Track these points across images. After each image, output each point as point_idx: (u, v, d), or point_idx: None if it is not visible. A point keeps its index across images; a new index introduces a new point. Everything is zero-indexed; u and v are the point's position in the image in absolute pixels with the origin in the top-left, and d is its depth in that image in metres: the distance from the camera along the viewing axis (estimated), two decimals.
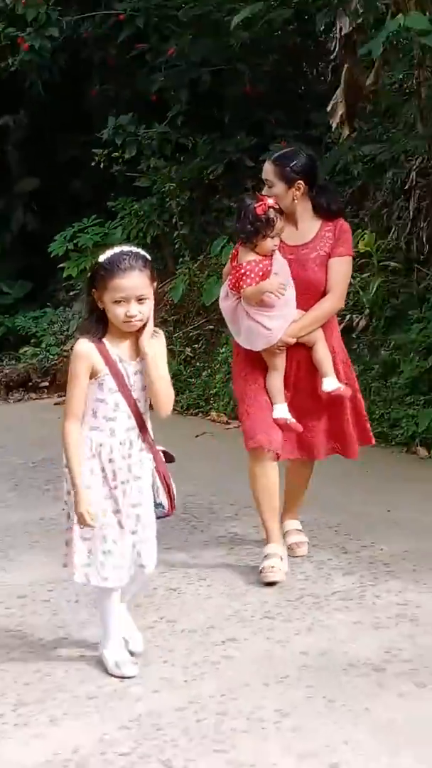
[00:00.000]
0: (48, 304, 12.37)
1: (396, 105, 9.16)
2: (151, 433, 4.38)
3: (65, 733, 4.28)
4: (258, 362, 5.68)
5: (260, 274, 5.33)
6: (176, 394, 10.02)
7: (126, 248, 4.12)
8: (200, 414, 9.90)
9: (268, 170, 5.59)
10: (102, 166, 11.77)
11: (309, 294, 5.53)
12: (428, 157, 9.02)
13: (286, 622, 5.32)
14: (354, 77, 9.11)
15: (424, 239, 9.40)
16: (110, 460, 4.21)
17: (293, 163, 5.50)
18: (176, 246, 11.16)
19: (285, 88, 11.06)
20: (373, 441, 6.16)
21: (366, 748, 4.02)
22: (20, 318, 12.51)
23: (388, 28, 8.18)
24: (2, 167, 13.07)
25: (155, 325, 4.40)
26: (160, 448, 4.38)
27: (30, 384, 11.34)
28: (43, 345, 11.75)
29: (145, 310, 4.06)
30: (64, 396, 10.55)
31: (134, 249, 4.14)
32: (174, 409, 9.87)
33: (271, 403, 5.64)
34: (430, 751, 4.01)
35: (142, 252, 4.15)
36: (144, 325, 4.11)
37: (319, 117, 9.81)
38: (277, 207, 5.38)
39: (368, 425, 6.06)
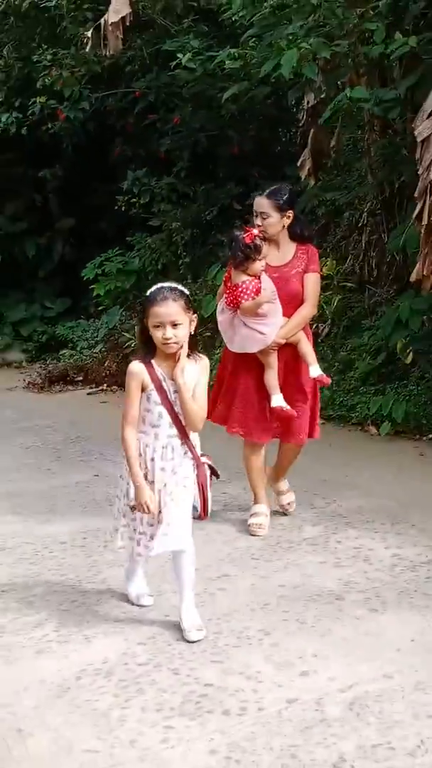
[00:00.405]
0: (82, 316, 12.31)
1: (351, 160, 9.15)
2: (195, 444, 4.24)
3: (96, 649, 4.31)
4: (244, 365, 5.62)
5: (254, 290, 5.28)
6: None
7: (166, 284, 4.07)
8: None
9: (263, 204, 5.50)
10: (123, 209, 11.73)
11: (292, 304, 5.50)
12: (376, 201, 9.00)
13: (267, 562, 5.34)
14: (318, 139, 9.14)
15: (374, 265, 9.41)
16: (152, 459, 4.12)
17: (284, 196, 5.48)
18: (181, 271, 11.14)
19: (265, 148, 11.02)
20: (319, 437, 6.07)
21: (330, 660, 4.07)
22: (60, 327, 12.46)
23: (337, 99, 8.19)
24: (45, 210, 12.92)
25: (199, 351, 4.40)
26: (207, 462, 4.23)
27: (68, 378, 11.28)
28: (78, 348, 11.70)
29: (180, 335, 3.94)
30: (95, 388, 10.77)
31: (173, 284, 4.08)
32: None
33: (257, 400, 5.58)
34: (380, 662, 4.04)
35: (180, 287, 4.06)
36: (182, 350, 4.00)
37: (291, 170, 9.80)
38: (261, 235, 5.31)
39: (317, 421, 6.00)
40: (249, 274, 5.30)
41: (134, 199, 11.67)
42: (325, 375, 5.68)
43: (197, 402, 4.07)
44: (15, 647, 4.36)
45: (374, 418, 7.95)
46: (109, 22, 6.35)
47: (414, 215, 6.98)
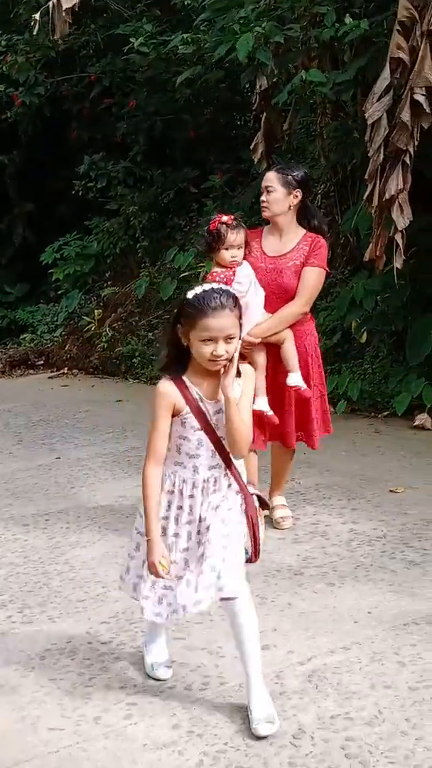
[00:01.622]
0: (41, 300, 12.28)
1: (304, 143, 9.14)
2: (241, 474, 3.36)
3: (60, 629, 4.32)
4: None
5: (223, 283, 4.49)
6: (140, 369, 10.11)
7: (216, 286, 3.15)
8: (155, 382, 9.83)
9: (270, 177, 4.99)
10: (80, 193, 11.69)
11: (283, 298, 4.96)
12: (330, 184, 9.00)
13: None
14: (271, 123, 9.12)
15: (328, 246, 9.40)
16: (191, 496, 3.26)
17: (294, 173, 4.97)
18: (139, 255, 11.12)
19: (220, 132, 11.01)
20: (332, 430, 5.55)
21: (289, 634, 4.10)
22: (20, 311, 12.42)
23: (293, 81, 8.19)
24: (4, 196, 12.84)
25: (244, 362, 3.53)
26: (253, 492, 3.39)
27: (29, 362, 11.27)
28: (38, 332, 11.70)
29: (232, 350, 3.10)
30: (56, 372, 10.73)
31: (224, 287, 3.18)
32: (142, 381, 9.98)
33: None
34: (338, 635, 4.08)
35: (232, 290, 3.22)
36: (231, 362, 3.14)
37: (245, 154, 9.79)
38: (228, 223, 4.68)
39: (329, 417, 5.53)
40: (219, 264, 4.78)
41: (91, 184, 11.65)
42: (304, 386, 4.98)
43: (244, 420, 3.23)
44: None
45: (330, 396, 7.98)
46: (63, 8, 6.26)
47: (365, 197, 7.01)
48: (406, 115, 6.68)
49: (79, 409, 8.92)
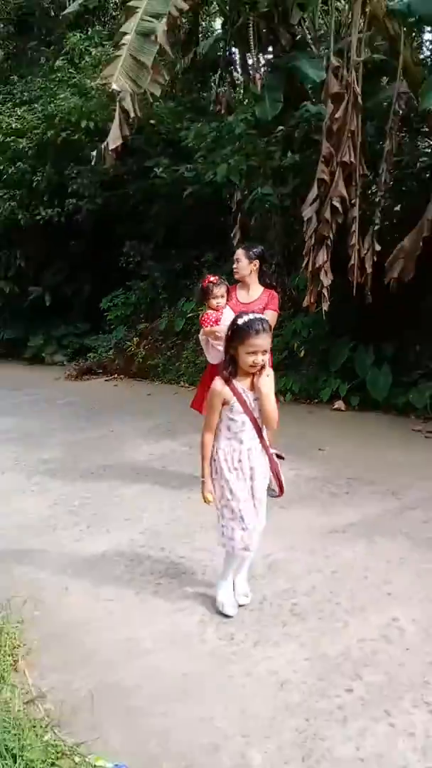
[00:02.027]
0: (100, 332, 12.21)
1: (264, 232, 9.11)
2: (266, 440, 3.29)
3: (113, 537, 4.34)
4: (216, 371, 5.09)
5: (214, 320, 4.68)
6: (162, 375, 10.14)
7: (258, 315, 3.15)
8: (173, 382, 9.83)
9: (238, 252, 4.95)
10: (124, 265, 11.68)
11: None
12: (280, 257, 8.92)
13: None
14: (243, 220, 9.12)
15: (280, 296, 9.41)
16: (239, 460, 3.19)
17: (254, 249, 4.94)
18: (161, 303, 11.13)
19: (211, 226, 10.90)
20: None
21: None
22: (87, 340, 12.39)
23: (254, 194, 8.23)
24: (76, 267, 12.84)
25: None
26: (273, 451, 3.32)
27: (92, 371, 11.23)
28: (98, 352, 11.65)
29: (266, 359, 3.11)
30: (109, 377, 10.77)
31: (259, 315, 3.15)
32: (163, 382, 9.99)
33: None
34: (288, 539, 4.06)
35: (264, 317, 3.18)
36: (262, 368, 3.12)
37: (227, 240, 9.71)
38: (213, 282, 4.70)
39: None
40: (210, 308, 4.73)
41: (131, 259, 11.61)
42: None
43: (272, 404, 3.19)
44: (64, 538, 4.38)
45: (281, 391, 7.98)
46: (110, 148, 6.26)
47: (303, 266, 7.02)
48: (327, 214, 6.70)
49: (124, 400, 8.94)
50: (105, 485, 5.37)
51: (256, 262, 4.89)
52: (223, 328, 4.68)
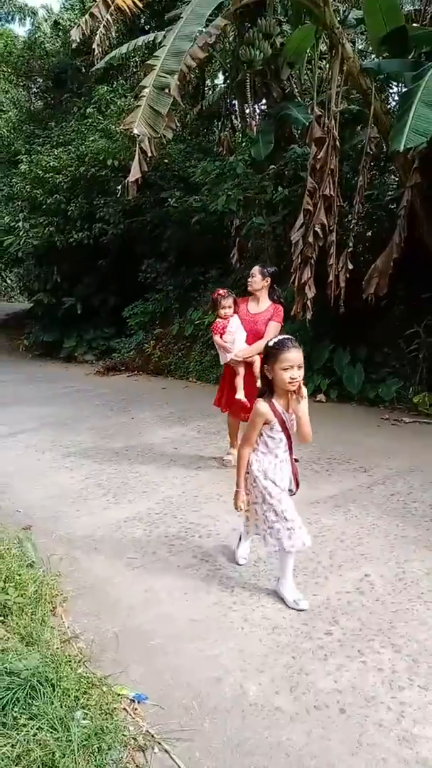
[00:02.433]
0: (123, 336, 12.18)
1: (258, 253, 9.08)
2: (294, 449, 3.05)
3: (135, 506, 4.33)
4: (229, 373, 4.89)
5: (221, 328, 4.68)
6: (174, 371, 10.13)
7: (287, 336, 2.87)
8: (183, 378, 9.82)
9: (255, 269, 4.76)
10: (142, 280, 11.66)
11: (257, 337, 4.65)
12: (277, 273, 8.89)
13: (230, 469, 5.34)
14: (241, 244, 9.15)
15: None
16: (273, 472, 2.96)
17: (268, 269, 4.74)
18: (173, 312, 11.08)
19: (215, 248, 10.89)
20: None
21: None
22: (112, 342, 12.35)
23: (250, 223, 8.20)
24: (103, 282, 12.79)
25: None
26: (294, 457, 3.05)
27: (116, 368, 11.19)
28: (122, 353, 11.61)
29: (301, 374, 2.79)
30: (131, 374, 10.76)
31: (291, 336, 2.87)
32: (175, 377, 9.98)
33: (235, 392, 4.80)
34: None
35: (293, 338, 2.86)
36: (299, 388, 2.80)
37: (227, 260, 9.73)
38: (222, 295, 4.68)
39: None
40: (219, 317, 4.71)
41: (148, 275, 11.59)
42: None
43: (308, 423, 2.90)
44: (94, 507, 4.38)
45: None
46: (130, 181, 6.23)
47: (291, 281, 7.00)
48: (311, 238, 6.68)
49: (143, 393, 8.92)
50: (127, 463, 5.37)
51: (269, 280, 4.75)
52: (230, 334, 4.71)
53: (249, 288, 4.79)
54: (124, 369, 11.12)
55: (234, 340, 4.70)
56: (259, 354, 4.63)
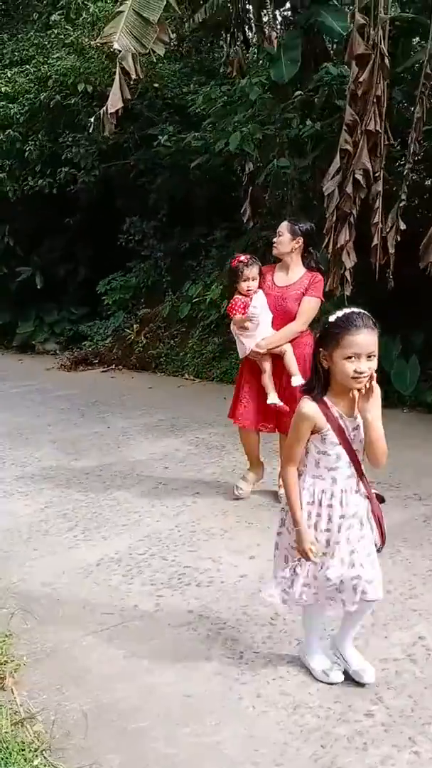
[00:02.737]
0: (97, 318, 12.24)
1: (278, 209, 9.09)
2: (366, 477, 2.72)
3: (109, 544, 4.34)
4: (248, 369, 4.74)
5: (243, 306, 4.47)
6: (165, 366, 10.15)
7: (356, 309, 2.53)
8: (177, 374, 9.84)
9: (282, 225, 4.58)
10: (123, 244, 11.71)
11: (285, 319, 4.52)
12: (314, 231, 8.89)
13: (225, 488, 5.35)
14: (255, 195, 9.16)
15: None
16: (329, 506, 2.64)
17: (300, 225, 4.53)
18: (164, 286, 11.14)
19: (220, 201, 10.97)
20: None
21: (268, 547, 4.07)
22: (82, 326, 12.44)
23: (270, 166, 8.21)
24: (71, 245, 12.86)
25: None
26: (374, 491, 2.72)
27: (87, 361, 11.25)
28: (94, 340, 11.70)
29: (373, 366, 2.51)
30: (106, 368, 10.79)
31: (360, 310, 2.54)
32: (166, 374, 9.99)
33: (256, 397, 4.69)
34: None
35: (368, 314, 2.55)
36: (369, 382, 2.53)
37: (237, 216, 9.76)
38: (244, 262, 4.49)
39: None
40: (240, 293, 4.52)
41: (131, 237, 11.63)
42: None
43: (381, 436, 2.62)
44: (57, 545, 4.40)
45: None
46: (108, 112, 6.25)
47: (323, 246, 7.00)
48: (350, 189, 6.69)
49: (123, 394, 8.94)
50: (101, 487, 5.38)
51: (300, 240, 4.54)
52: (254, 316, 4.50)
53: (274, 251, 4.65)
54: (97, 362, 11.16)
55: (258, 324, 4.54)
56: (291, 341, 4.56)
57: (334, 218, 6.83)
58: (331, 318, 2.55)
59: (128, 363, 10.69)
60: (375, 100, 6.58)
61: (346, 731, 2.65)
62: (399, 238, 6.79)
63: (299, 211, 8.79)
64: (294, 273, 4.59)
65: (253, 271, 4.49)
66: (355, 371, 2.47)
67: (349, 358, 2.47)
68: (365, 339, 2.47)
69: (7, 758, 2.41)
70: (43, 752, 2.58)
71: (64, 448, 6.46)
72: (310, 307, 4.51)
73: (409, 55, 7.70)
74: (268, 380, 4.56)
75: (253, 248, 9.75)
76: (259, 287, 4.58)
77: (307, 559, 2.66)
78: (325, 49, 8.87)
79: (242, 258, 4.53)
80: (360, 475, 2.68)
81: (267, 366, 4.57)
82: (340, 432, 2.60)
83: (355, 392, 2.57)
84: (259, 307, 4.52)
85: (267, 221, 9.65)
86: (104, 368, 10.86)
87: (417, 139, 6.87)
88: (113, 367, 10.82)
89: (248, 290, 4.51)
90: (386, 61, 6.58)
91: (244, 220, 9.42)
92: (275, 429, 4.75)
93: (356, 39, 6.59)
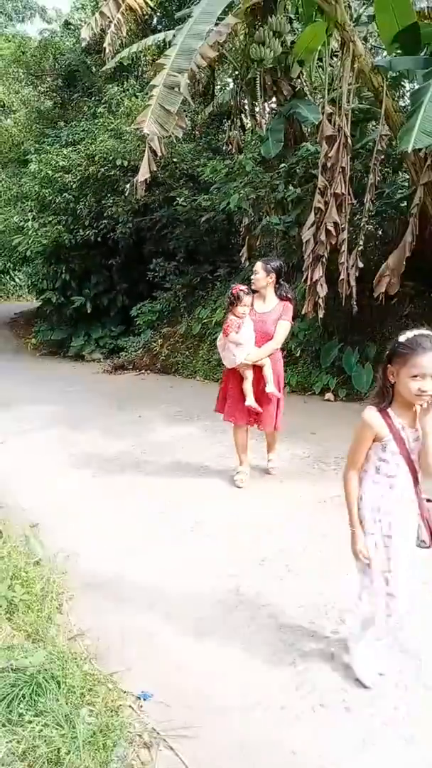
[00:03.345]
0: (131, 335, 12.21)
1: (267, 252, 9.04)
2: (421, 484, 2.29)
3: (138, 505, 4.28)
4: (233, 376, 4.53)
5: (237, 326, 4.28)
6: (182, 370, 10.13)
7: (425, 331, 2.17)
8: (190, 377, 9.82)
9: (257, 265, 4.43)
10: (151, 279, 11.66)
11: (265, 339, 4.35)
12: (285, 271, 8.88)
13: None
14: (250, 242, 9.12)
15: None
16: (388, 512, 2.28)
17: (271, 263, 4.41)
18: (181, 311, 11.10)
19: (223, 246, 10.95)
20: (279, 428, 4.67)
21: (255, 505, 4.06)
22: (120, 341, 12.39)
23: (263, 222, 8.18)
24: (112, 280, 12.84)
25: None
26: (424, 497, 2.29)
27: (124, 367, 11.21)
28: (129, 351, 11.63)
29: None
30: (138, 372, 10.78)
31: (428, 332, 2.17)
32: (183, 376, 9.99)
33: (240, 399, 4.48)
34: (288, 508, 4.03)
35: None
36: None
37: (237, 258, 9.74)
38: (244, 291, 4.28)
39: (280, 416, 4.61)
40: (235, 315, 4.32)
41: (156, 274, 11.61)
42: (275, 391, 4.43)
43: None
44: (98, 507, 4.38)
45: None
46: (139, 181, 6.25)
47: (302, 280, 6.98)
48: (322, 237, 6.67)
49: (150, 391, 8.93)
50: (133, 462, 5.37)
51: (273, 275, 4.40)
52: (243, 336, 4.30)
53: (253, 285, 4.48)
54: (131, 368, 11.13)
55: (247, 341, 4.39)
56: (269, 356, 4.42)
57: (310, 259, 6.81)
58: (401, 338, 2.21)
59: (154, 368, 10.67)
60: (341, 170, 6.57)
61: (316, 645, 2.64)
62: (358, 274, 6.78)
63: (283, 253, 8.79)
64: (269, 302, 4.44)
65: (248, 299, 4.34)
66: (419, 389, 2.14)
67: (415, 377, 2.14)
68: (430, 361, 2.12)
69: (63, 665, 2.42)
70: (90, 660, 2.59)
71: (107, 432, 6.45)
72: (283, 329, 4.40)
73: (365, 136, 7.69)
74: (249, 386, 4.42)
75: (249, 281, 9.76)
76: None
77: (358, 559, 2.33)
78: (302, 132, 8.83)
79: (242, 287, 4.37)
80: (416, 483, 2.29)
81: (249, 374, 4.42)
82: (400, 441, 2.25)
83: (418, 406, 2.23)
84: (248, 327, 4.37)
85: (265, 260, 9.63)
86: (136, 372, 10.83)
87: (371, 200, 6.87)
88: (143, 371, 10.79)
89: (242, 314, 4.34)
90: (348, 140, 6.57)
91: (242, 261, 9.40)
92: (253, 423, 4.61)
93: (325, 124, 6.58)
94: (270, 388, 4.37)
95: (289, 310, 4.45)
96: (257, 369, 4.43)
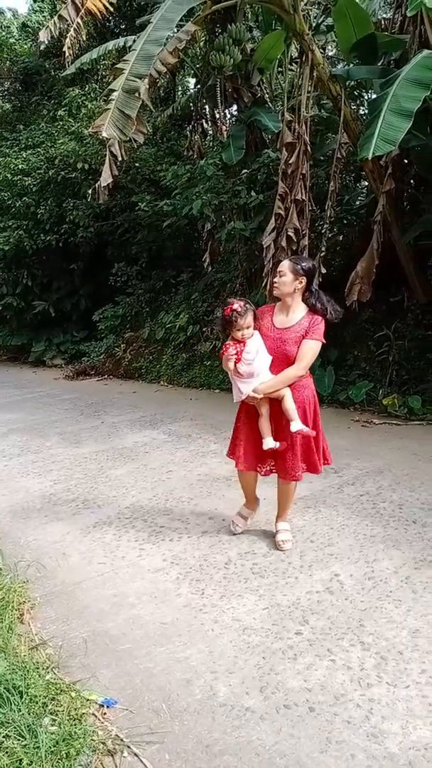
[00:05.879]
0: (93, 340, 12.14)
1: (230, 257, 9.14)
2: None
3: (102, 510, 4.26)
4: (246, 413, 3.50)
5: (234, 353, 3.26)
6: (145, 375, 10.10)
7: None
8: (154, 382, 9.79)
9: (283, 264, 3.35)
10: (113, 283, 11.62)
11: (285, 362, 3.30)
12: (243, 278, 8.95)
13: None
14: (213, 247, 9.21)
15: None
16: None
17: (303, 264, 3.33)
18: (144, 315, 11.09)
19: (186, 251, 10.97)
20: (330, 462, 3.65)
21: (225, 513, 4.05)
22: (82, 346, 12.33)
23: (227, 227, 8.23)
24: (74, 284, 12.73)
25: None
26: None
27: (86, 372, 11.13)
28: (91, 356, 11.58)
29: None
30: (100, 378, 10.69)
31: None
32: (146, 381, 9.94)
33: (251, 438, 3.49)
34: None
35: None
36: None
37: (199, 263, 9.77)
38: (239, 310, 3.23)
39: (319, 461, 3.53)
40: (233, 339, 3.31)
41: (119, 278, 11.56)
42: (305, 429, 3.29)
43: None
44: (62, 512, 4.34)
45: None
46: (101, 186, 6.22)
47: (262, 286, 7.06)
48: (284, 242, 6.75)
49: (113, 397, 8.87)
50: (97, 467, 5.35)
51: (303, 280, 3.35)
52: (250, 362, 3.32)
53: (275, 292, 3.42)
54: (93, 373, 11.05)
55: (253, 373, 3.33)
56: (289, 386, 3.36)
57: (271, 265, 6.89)
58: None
59: (117, 373, 10.61)
60: (301, 177, 6.67)
61: (281, 645, 2.67)
62: (321, 280, 6.86)
63: (245, 259, 8.86)
64: (294, 314, 3.39)
65: (247, 319, 3.27)
66: None
67: None
68: None
69: (25, 674, 2.38)
70: (53, 669, 2.55)
71: (68, 439, 6.39)
72: (310, 350, 3.32)
73: (325, 144, 7.83)
74: (264, 424, 3.39)
75: (212, 287, 9.81)
76: (258, 329, 3.38)
77: None
78: (263, 138, 8.95)
79: (235, 306, 3.27)
80: None
81: (264, 410, 3.39)
82: None
83: None
84: (253, 352, 3.32)
85: (221, 266, 9.70)
86: (99, 378, 10.76)
87: (332, 206, 6.98)
88: (106, 376, 10.73)
89: (243, 337, 3.31)
90: (308, 148, 6.68)
91: (204, 266, 9.45)
92: (271, 471, 3.62)
93: (285, 131, 6.68)
94: (296, 426, 3.27)
95: (321, 327, 3.36)
96: (276, 402, 3.38)
